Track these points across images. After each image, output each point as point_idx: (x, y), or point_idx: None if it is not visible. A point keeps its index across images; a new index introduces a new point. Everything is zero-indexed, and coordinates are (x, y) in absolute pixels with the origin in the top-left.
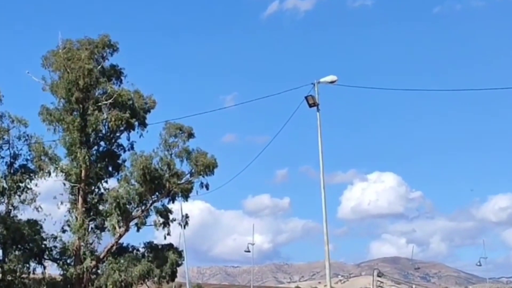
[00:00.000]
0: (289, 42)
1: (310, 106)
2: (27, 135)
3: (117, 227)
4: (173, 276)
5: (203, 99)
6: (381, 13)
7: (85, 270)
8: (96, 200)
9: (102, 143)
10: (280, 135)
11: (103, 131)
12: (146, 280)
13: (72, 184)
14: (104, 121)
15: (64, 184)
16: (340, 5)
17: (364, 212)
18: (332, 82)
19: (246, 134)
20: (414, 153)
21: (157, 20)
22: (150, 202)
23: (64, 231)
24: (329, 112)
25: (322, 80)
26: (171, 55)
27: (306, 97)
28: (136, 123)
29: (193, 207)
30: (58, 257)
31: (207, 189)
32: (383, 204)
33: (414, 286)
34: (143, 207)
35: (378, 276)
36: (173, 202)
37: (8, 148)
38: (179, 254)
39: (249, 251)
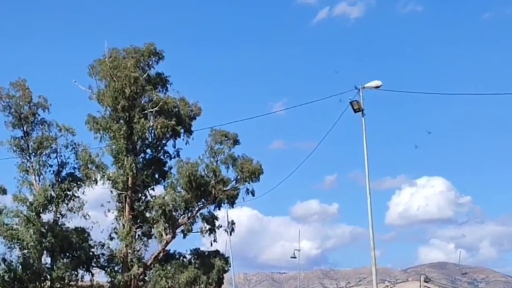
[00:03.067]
0: (339, 48)
1: (355, 111)
2: (74, 144)
3: (163, 234)
4: (219, 282)
5: (252, 106)
6: (432, 18)
7: (132, 277)
8: (143, 208)
9: (148, 150)
10: (329, 141)
11: (149, 139)
12: (193, 287)
13: (119, 192)
14: (150, 128)
15: (111, 192)
16: (390, 11)
17: (413, 217)
18: (377, 87)
19: (295, 140)
20: (463, 158)
21: (205, 27)
22: (196, 209)
23: (111, 238)
24: (380, 118)
25: (367, 85)
26: (219, 62)
27: (351, 102)
28: (182, 130)
29: (241, 214)
30: (105, 264)
31: (253, 195)
32: (432, 209)
33: None
34: (189, 214)
35: (425, 281)
36: (219, 209)
37: (56, 157)
38: (226, 260)
39: (295, 257)
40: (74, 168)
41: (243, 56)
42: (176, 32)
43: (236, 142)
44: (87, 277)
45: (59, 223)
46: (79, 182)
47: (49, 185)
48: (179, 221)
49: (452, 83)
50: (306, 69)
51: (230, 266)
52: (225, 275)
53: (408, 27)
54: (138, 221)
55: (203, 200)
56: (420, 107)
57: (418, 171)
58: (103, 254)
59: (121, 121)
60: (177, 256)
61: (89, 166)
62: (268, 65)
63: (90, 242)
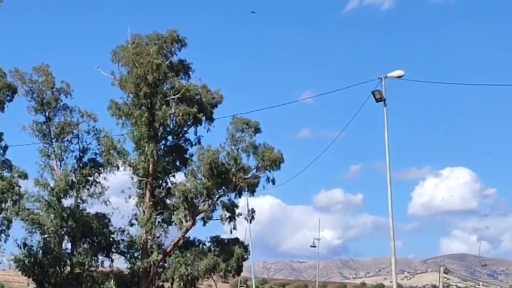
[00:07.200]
0: (368, 39)
1: (377, 101)
2: (96, 129)
3: (184, 221)
4: (238, 270)
5: (279, 95)
6: (464, 9)
7: (152, 263)
8: (163, 194)
9: (169, 137)
10: (355, 130)
11: (171, 126)
12: (212, 274)
13: (140, 178)
14: (172, 115)
15: (132, 178)
16: (421, 1)
17: (436, 208)
18: (399, 77)
19: (323, 129)
20: (489, 150)
21: (230, 15)
22: (217, 196)
23: (131, 224)
24: (408, 109)
25: (389, 75)
26: (244, 50)
27: (373, 92)
28: (203, 117)
29: (263, 202)
30: (125, 250)
31: (273, 184)
32: (456, 200)
33: (481, 283)
34: (209, 202)
35: (445, 272)
36: (239, 197)
37: (78, 142)
38: (245, 248)
39: (314, 246)
40: (95, 154)
41: (271, 44)
42: (200, 19)
43: (257, 130)
44: (107, 263)
45: (80, 209)
46: (100, 168)
47: (71, 171)
48: (200, 208)
49: (481, 72)
50: (335, 59)
51: (249, 254)
52: (244, 263)
53: (438, 19)
54: (159, 207)
55: (223, 187)
56: (446, 97)
57: (443, 162)
58: (123, 240)
59: (143, 107)
60: (196, 243)
61: (111, 152)
62: (296, 53)
63: (111, 228)
